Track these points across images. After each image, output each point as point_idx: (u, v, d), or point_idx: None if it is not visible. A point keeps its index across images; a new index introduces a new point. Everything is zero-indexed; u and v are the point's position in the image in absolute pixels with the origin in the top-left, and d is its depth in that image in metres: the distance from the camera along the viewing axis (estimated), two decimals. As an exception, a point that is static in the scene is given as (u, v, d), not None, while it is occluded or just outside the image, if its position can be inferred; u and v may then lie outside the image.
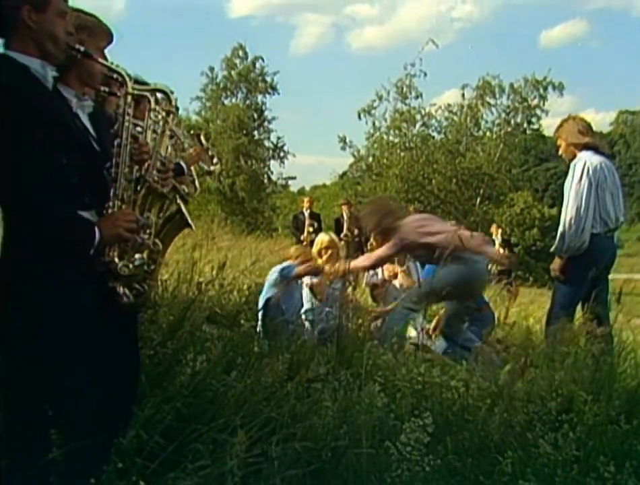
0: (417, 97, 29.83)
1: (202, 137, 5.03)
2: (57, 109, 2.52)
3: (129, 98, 2.67)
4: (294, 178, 37.95)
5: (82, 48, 2.61)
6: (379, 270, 6.60)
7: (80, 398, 2.43)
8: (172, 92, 2.90)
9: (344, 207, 14.01)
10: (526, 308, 8.04)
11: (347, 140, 31.17)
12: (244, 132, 34.65)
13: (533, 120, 33.11)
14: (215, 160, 5.08)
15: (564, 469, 3.03)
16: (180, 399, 3.06)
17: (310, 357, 3.97)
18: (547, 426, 3.35)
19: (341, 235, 12.70)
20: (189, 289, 4.80)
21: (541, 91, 31.93)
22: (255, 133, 35.61)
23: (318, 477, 2.87)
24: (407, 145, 30.33)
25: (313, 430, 3.10)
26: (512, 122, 32.41)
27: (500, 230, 13.19)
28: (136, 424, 2.80)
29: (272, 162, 36.32)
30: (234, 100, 35.68)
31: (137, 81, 2.93)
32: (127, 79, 2.70)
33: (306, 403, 3.34)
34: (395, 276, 6.58)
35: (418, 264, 7.09)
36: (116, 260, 2.53)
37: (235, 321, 4.83)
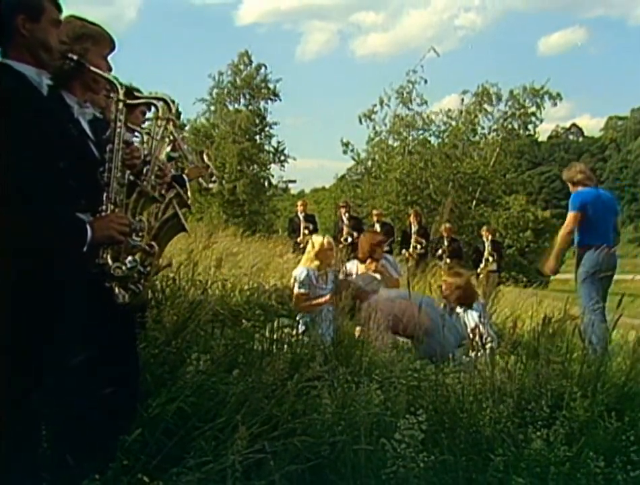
0: (421, 104, 29.99)
1: (204, 155, 5.13)
2: (53, 115, 2.51)
3: (121, 104, 2.67)
4: (294, 181, 38.07)
5: (75, 57, 2.62)
6: (354, 269, 6.57)
7: (77, 396, 2.44)
8: (172, 101, 2.90)
9: (342, 210, 13.91)
10: (518, 307, 8.06)
11: (350, 144, 31.30)
12: (247, 137, 34.69)
13: (529, 126, 33.31)
14: (213, 178, 5.18)
15: (555, 465, 3.04)
16: (183, 397, 3.06)
17: (310, 356, 3.98)
18: (539, 423, 3.36)
19: (341, 239, 12.65)
20: (194, 289, 4.82)
21: (538, 100, 32.13)
22: (257, 137, 35.65)
23: (318, 472, 2.88)
24: (406, 149, 30.43)
25: (312, 426, 3.11)
26: (508, 127, 32.56)
27: (490, 233, 13.17)
28: (141, 422, 2.80)
29: (273, 165, 36.40)
30: (237, 105, 35.75)
31: (132, 90, 2.95)
32: (119, 86, 2.70)
33: (306, 400, 3.35)
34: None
35: (392, 259, 7.09)
36: (110, 262, 2.53)
37: (237, 321, 4.83)
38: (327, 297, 5.61)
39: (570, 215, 6.60)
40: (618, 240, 6.82)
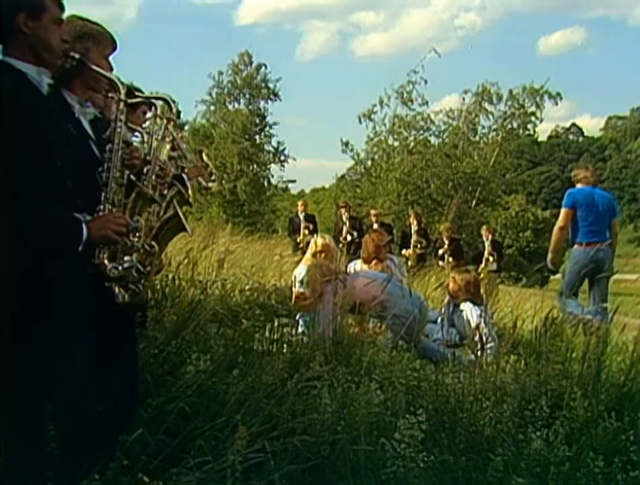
0: (422, 104, 29.99)
1: (203, 154, 5.14)
2: (53, 114, 2.51)
3: (121, 104, 2.67)
4: (293, 181, 38.14)
5: (77, 56, 2.61)
6: (358, 268, 6.55)
7: (78, 396, 2.43)
8: (173, 101, 2.90)
9: (342, 210, 13.90)
10: (518, 307, 8.05)
11: (350, 144, 31.26)
12: (247, 137, 34.72)
13: (529, 126, 33.29)
14: (213, 177, 5.19)
15: (555, 465, 3.04)
16: (183, 397, 3.06)
17: (310, 356, 3.98)
18: (539, 423, 3.36)
19: (341, 238, 12.67)
20: (193, 289, 4.81)
21: (538, 99, 32.10)
22: (257, 137, 35.68)
23: (317, 472, 2.87)
24: (406, 149, 30.39)
25: (312, 426, 3.10)
26: (508, 127, 32.54)
27: (490, 233, 13.11)
28: (141, 422, 2.80)
29: (273, 165, 36.44)
30: (237, 105, 35.79)
31: (133, 89, 2.94)
32: (120, 85, 2.69)
33: (306, 400, 3.35)
34: None
35: (396, 260, 7.09)
36: (106, 262, 2.52)
37: (237, 320, 4.83)
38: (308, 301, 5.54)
39: (562, 211, 7.16)
40: (615, 241, 7.07)
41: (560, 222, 7.17)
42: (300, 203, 14.58)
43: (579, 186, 7.23)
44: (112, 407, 2.52)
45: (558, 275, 7.66)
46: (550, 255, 7.29)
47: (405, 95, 30.04)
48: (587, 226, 6.95)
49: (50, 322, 2.36)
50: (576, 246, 7.04)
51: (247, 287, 6.45)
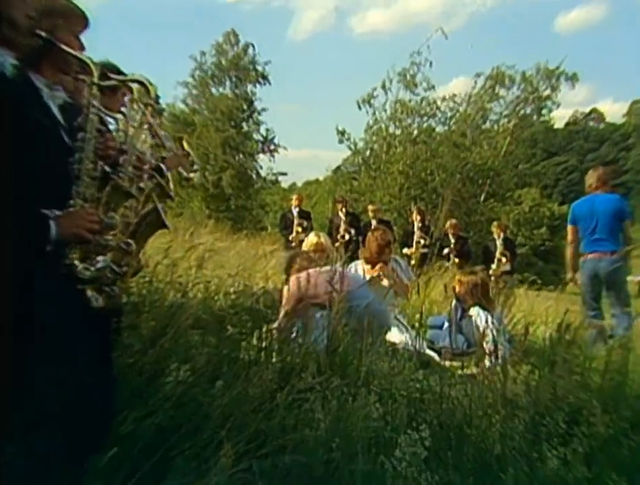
0: (427, 89, 29.93)
1: (184, 142, 5.14)
2: (17, 98, 2.50)
3: (95, 88, 2.66)
4: (284, 173, 38.17)
5: (44, 34, 2.61)
6: (360, 270, 6.56)
7: (53, 402, 2.44)
8: (150, 83, 2.89)
9: (339, 205, 13.87)
10: (531, 312, 8.09)
11: (346, 133, 31.18)
12: (233, 124, 34.66)
13: (544, 112, 33.25)
14: (194, 167, 5.19)
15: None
16: (162, 411, 3.06)
17: (302, 365, 3.98)
18: (555, 440, 3.37)
19: (338, 236, 12.68)
20: (173, 292, 4.81)
21: (554, 81, 32.04)
22: (244, 125, 35.62)
23: (310, 493, 2.88)
24: (410, 138, 30.32)
25: (304, 443, 3.11)
26: (521, 113, 32.50)
27: (501, 230, 13.06)
28: (115, 439, 2.80)
29: (261, 156, 36.39)
30: (221, 89, 35.73)
31: (111, 69, 2.93)
32: (92, 67, 2.69)
33: (297, 414, 3.35)
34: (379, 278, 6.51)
35: (403, 262, 7.11)
36: (77, 262, 2.52)
37: (221, 327, 4.83)
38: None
39: (568, 227, 7.76)
40: (629, 244, 7.37)
41: (568, 239, 7.76)
42: (294, 197, 14.26)
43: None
44: (83, 423, 2.52)
45: (576, 275, 7.86)
46: (569, 274, 7.77)
47: (408, 78, 30.03)
48: (589, 236, 7.41)
49: (16, 328, 2.36)
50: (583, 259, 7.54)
51: (232, 290, 6.44)
